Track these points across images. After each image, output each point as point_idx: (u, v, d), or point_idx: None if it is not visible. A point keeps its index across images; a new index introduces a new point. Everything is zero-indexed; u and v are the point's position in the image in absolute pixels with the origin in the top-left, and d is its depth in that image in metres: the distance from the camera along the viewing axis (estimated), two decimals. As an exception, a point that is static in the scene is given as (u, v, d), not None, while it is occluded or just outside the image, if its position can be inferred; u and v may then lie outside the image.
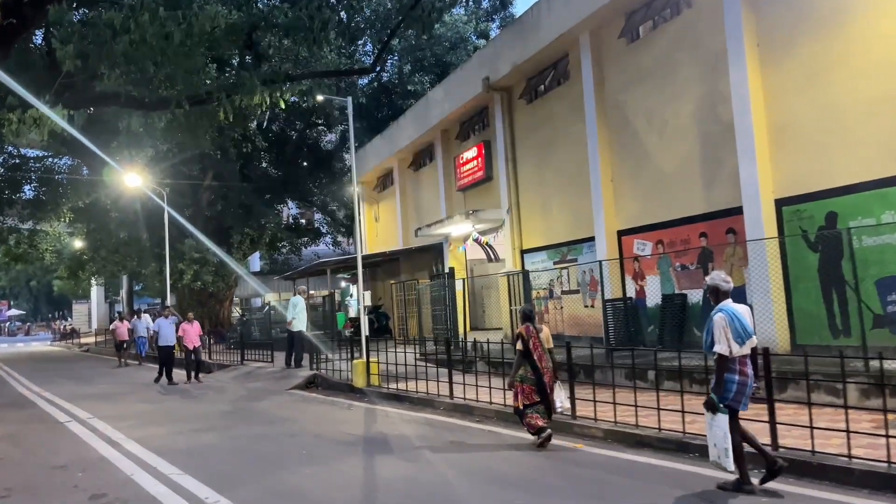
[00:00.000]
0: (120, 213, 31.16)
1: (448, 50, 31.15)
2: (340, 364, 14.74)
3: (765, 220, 10.68)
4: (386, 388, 12.95)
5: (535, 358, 8.09)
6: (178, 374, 17.02)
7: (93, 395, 15.13)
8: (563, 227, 16.09)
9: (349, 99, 14.99)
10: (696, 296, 12.40)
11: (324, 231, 38.05)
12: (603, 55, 14.51)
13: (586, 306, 15.39)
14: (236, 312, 39.83)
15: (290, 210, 37.66)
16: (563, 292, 16.17)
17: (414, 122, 23.22)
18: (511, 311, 17.01)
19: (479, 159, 19.34)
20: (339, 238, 41.38)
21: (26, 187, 33.05)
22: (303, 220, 40.84)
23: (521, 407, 8.13)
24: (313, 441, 8.77)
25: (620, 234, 14.24)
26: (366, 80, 32.00)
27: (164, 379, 16.66)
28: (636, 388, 8.44)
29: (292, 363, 16.67)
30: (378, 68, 23.55)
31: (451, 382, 11.31)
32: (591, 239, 15.04)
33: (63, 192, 31.01)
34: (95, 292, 54.82)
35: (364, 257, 26.13)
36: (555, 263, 16.45)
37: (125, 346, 23.66)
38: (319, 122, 36.63)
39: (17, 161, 30.98)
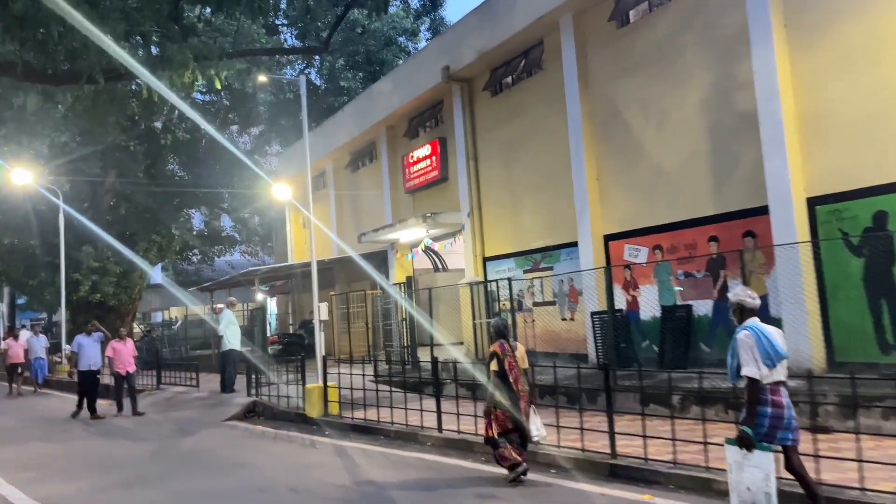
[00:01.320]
0: (4, 215, 27.26)
1: (381, 47, 29.28)
2: (287, 389, 12.50)
3: (797, 220, 9.47)
4: (350, 418, 10.91)
5: (511, 380, 6.94)
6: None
7: (-26, 433, 12.25)
8: (536, 232, 14.56)
9: (302, 78, 12.97)
10: (703, 307, 11.10)
11: (239, 239, 35.06)
12: (588, 40, 13.12)
13: (563, 319, 13.89)
14: (138, 328, 36.19)
15: (203, 215, 34.51)
16: (536, 304, 14.60)
17: (354, 117, 21.23)
18: (474, 325, 15.36)
19: (433, 158, 17.59)
20: (253, 247, 38.37)
21: None
22: (205, 230, 37.50)
23: (494, 436, 6.94)
24: (292, 499, 6.69)
25: (608, 238, 12.82)
26: (293, 73, 29.61)
27: (84, 412, 13.30)
28: (674, 418, 6.90)
29: (226, 387, 14.29)
30: (329, 49, 21.29)
31: (439, 412, 9.44)
32: (571, 245, 13.56)
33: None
34: (-30, 306, 48.85)
35: (291, 266, 23.86)
36: (525, 272, 14.88)
37: (20, 369, 19.58)
38: (234, 122, 33.95)
39: None
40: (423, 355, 14.99)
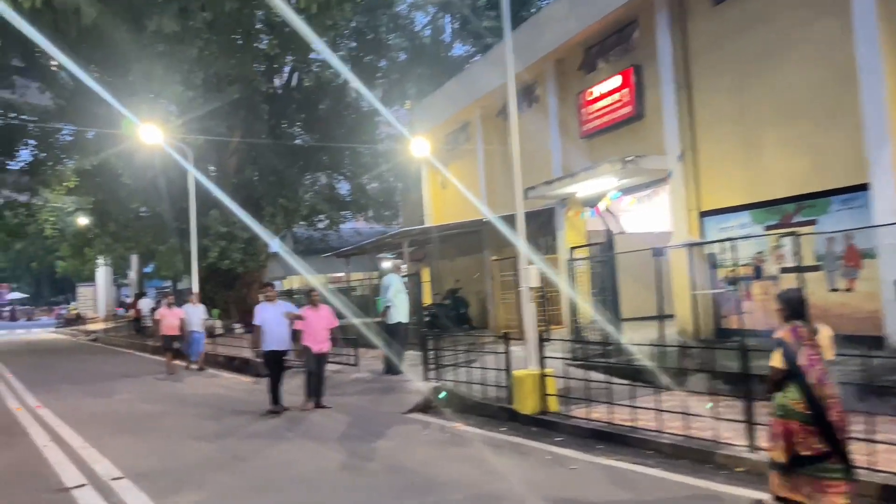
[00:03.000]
0: (133, 178, 26.19)
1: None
2: (484, 375, 9.81)
3: None
4: (584, 419, 8.08)
5: (813, 381, 4.54)
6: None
7: (116, 421, 10.23)
8: (787, 175, 11.12)
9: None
10: None
11: (367, 204, 32.93)
12: None
13: (835, 290, 10.47)
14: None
15: (328, 178, 32.64)
16: (784, 270, 11.22)
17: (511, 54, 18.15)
18: (693, 297, 12.23)
19: (626, 90, 14.31)
20: (381, 212, 36.25)
21: (23, 150, 28.32)
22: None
23: (786, 460, 4.60)
24: None
25: (917, 178, 9.29)
26: (425, 18, 26.97)
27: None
28: None
29: (392, 368, 11.87)
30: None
31: (750, 422, 6.43)
32: (848, 189, 10.12)
33: (64, 152, 26.24)
34: (102, 274, 49.80)
35: (429, 230, 21.31)
36: (767, 229, 11.52)
37: (176, 343, 16.67)
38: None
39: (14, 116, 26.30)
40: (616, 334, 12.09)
